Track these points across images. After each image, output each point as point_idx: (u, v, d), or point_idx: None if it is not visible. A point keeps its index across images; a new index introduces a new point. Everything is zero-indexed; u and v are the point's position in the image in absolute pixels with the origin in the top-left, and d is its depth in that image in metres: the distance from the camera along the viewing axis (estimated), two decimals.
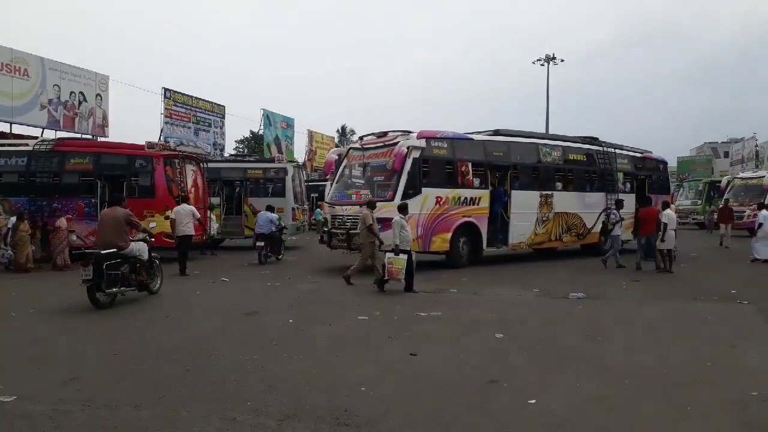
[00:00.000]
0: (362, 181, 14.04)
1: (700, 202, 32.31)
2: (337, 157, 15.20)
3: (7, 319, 8.26)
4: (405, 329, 7.43)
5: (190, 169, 16.31)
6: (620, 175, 17.83)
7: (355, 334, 7.30)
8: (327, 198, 14.55)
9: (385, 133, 13.87)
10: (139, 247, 9.53)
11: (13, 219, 13.72)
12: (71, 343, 6.83)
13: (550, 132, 18.09)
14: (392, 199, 12.43)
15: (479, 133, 15.35)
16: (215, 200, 19.05)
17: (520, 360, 6.13)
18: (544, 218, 15.61)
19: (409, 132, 13.31)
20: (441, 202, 13.36)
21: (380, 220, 11.62)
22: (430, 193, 13.13)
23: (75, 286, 9.18)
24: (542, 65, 38.94)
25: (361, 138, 14.81)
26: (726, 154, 65.26)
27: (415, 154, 12.88)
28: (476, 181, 14.19)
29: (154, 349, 6.47)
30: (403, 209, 10.99)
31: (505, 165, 15.04)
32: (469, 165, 14.12)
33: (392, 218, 11.00)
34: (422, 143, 13.09)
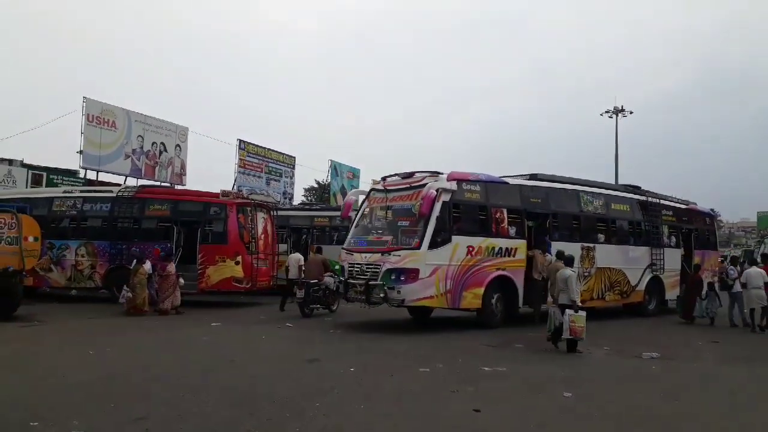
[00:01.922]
0: (384, 227, 12.66)
1: None
2: (355, 198, 14.10)
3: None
4: (469, 384, 7.27)
5: (260, 217, 16.83)
6: (665, 228, 16.51)
7: (417, 386, 7.20)
8: (345, 244, 12.98)
9: (411, 174, 12.55)
10: (328, 281, 13.86)
11: (134, 263, 14.00)
12: (144, 381, 7.06)
13: (593, 180, 16.31)
14: (418, 247, 11.15)
15: (514, 177, 13.92)
16: (283, 246, 19.49)
17: (590, 421, 5.86)
18: (586, 273, 13.93)
19: (438, 173, 12.01)
20: (473, 252, 11.83)
21: (405, 271, 11.02)
22: (460, 242, 11.68)
23: (172, 327, 9.54)
24: (610, 117, 38.33)
25: (383, 179, 13.35)
26: None
27: (445, 197, 11.52)
28: (512, 230, 12.68)
29: (218, 392, 6.60)
30: (570, 262, 10.44)
31: (543, 213, 13.59)
32: (504, 212, 12.64)
33: (419, 269, 10.85)
34: (453, 186, 11.74)
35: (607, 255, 14.55)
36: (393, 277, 11.13)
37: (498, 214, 12.52)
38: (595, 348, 10.25)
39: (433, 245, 11.21)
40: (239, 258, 15.29)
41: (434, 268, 11.15)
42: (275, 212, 18.26)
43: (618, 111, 38.05)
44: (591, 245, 14.23)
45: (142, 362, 8.34)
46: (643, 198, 16.34)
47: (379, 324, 12.45)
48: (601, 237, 14.75)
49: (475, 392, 6.86)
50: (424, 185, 11.63)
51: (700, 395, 7.12)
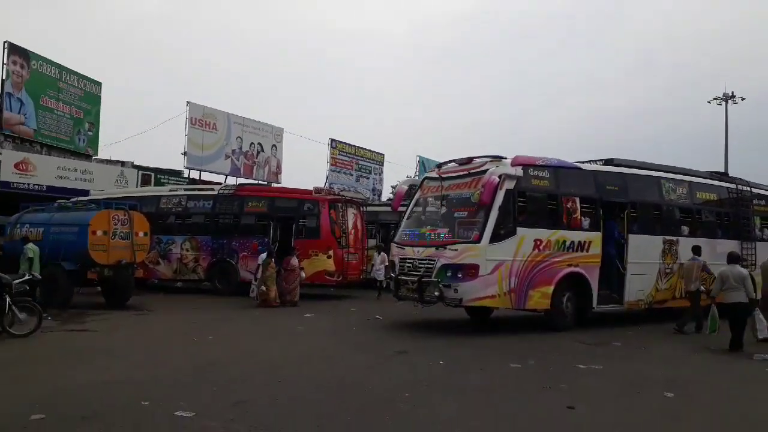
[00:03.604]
0: (439, 218, 11.48)
1: None
2: (407, 188, 12.90)
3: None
4: (562, 381, 7.07)
5: (351, 213, 17.17)
6: (757, 220, 14.75)
7: (508, 381, 7.09)
8: (396, 237, 12.04)
9: (470, 159, 11.33)
10: None
11: (263, 256, 14.45)
12: (244, 368, 7.41)
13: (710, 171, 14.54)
14: (478, 240, 10.05)
15: (588, 162, 12.62)
16: (372, 242, 19.78)
17: (693, 424, 5.54)
18: (668, 270, 12.45)
19: (501, 158, 10.79)
20: (540, 247, 10.62)
21: (463, 267, 9.99)
22: (526, 235, 10.48)
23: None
24: (719, 104, 35.86)
25: (439, 166, 12.22)
26: None
27: (509, 184, 10.34)
28: (585, 222, 11.35)
29: (313, 380, 6.81)
30: (737, 259, 10.06)
31: (620, 202, 12.15)
32: (577, 201, 11.28)
33: (478, 264, 9.84)
34: (518, 171, 10.51)
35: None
36: (449, 274, 10.13)
37: (570, 204, 11.21)
38: (700, 348, 9.66)
39: (495, 238, 10.10)
40: (331, 252, 15.69)
41: (496, 264, 10.09)
42: (365, 208, 18.55)
43: (728, 98, 35.54)
44: (674, 239, 12.73)
45: (242, 350, 8.77)
46: (732, 185, 14.62)
47: (467, 319, 12.32)
48: (685, 229, 13.18)
49: (569, 389, 6.66)
50: (485, 171, 10.43)
51: None
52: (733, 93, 35.58)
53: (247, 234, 16.83)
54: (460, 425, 5.22)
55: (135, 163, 26.03)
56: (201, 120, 25.55)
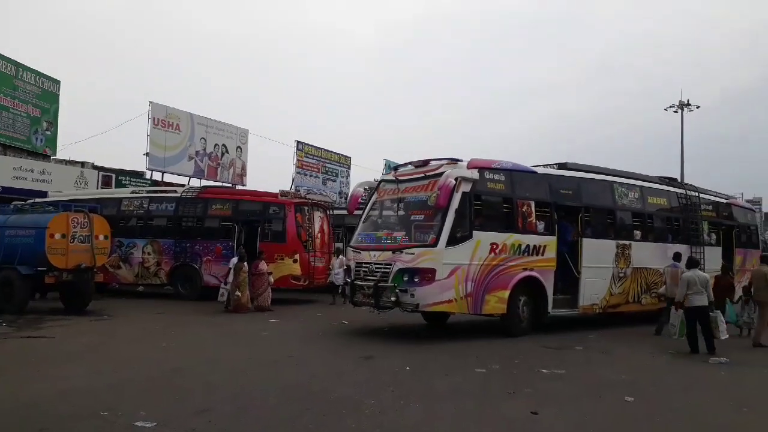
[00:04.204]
0: (395, 221, 11.37)
1: None
2: (362, 191, 12.57)
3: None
4: (526, 386, 7.15)
5: (317, 216, 17.09)
6: (705, 225, 14.97)
7: (473, 386, 7.14)
8: (351, 241, 11.89)
9: (426, 162, 11.24)
10: None
11: (234, 260, 14.20)
12: (207, 375, 7.29)
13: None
14: (435, 243, 9.91)
15: (542, 166, 12.53)
16: (339, 245, 19.72)
17: (654, 427, 5.67)
18: (621, 274, 12.63)
19: (457, 160, 10.75)
20: (497, 251, 10.53)
21: (419, 271, 9.84)
22: (483, 238, 10.37)
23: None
24: (675, 112, 36.89)
25: (395, 168, 11.99)
26: None
27: (465, 187, 10.25)
28: (540, 226, 11.36)
29: (278, 386, 6.74)
30: (697, 264, 10.46)
31: (574, 206, 12.17)
32: (532, 204, 11.27)
33: (435, 269, 9.71)
34: (474, 174, 10.43)
35: (644, 254, 13.19)
36: (406, 278, 9.95)
37: (525, 208, 11.19)
38: (660, 352, 9.91)
39: (452, 242, 10.00)
40: (297, 256, 15.58)
41: (453, 268, 9.95)
42: (331, 211, 18.48)
43: (683, 105, 36.60)
44: (627, 243, 12.86)
45: (206, 356, 8.62)
46: (681, 191, 14.93)
47: (460, 320, 12.31)
48: (638, 234, 13.33)
49: (533, 394, 6.75)
50: (441, 174, 10.31)
51: None
52: (688, 101, 36.69)
53: (211, 237, 16.57)
54: (424, 430, 5.23)
55: (95, 164, 25.45)
56: (164, 120, 25.09)
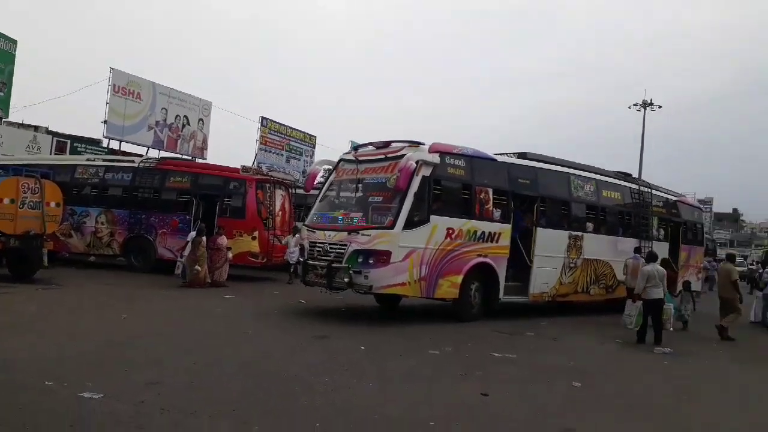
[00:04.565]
0: (353, 202, 11.17)
1: None
2: (321, 169, 12.52)
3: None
4: (477, 368, 7.28)
5: (279, 194, 16.88)
6: (655, 220, 15.44)
7: (425, 368, 7.22)
8: (307, 220, 11.67)
9: (387, 143, 11.08)
10: None
11: (193, 234, 13.86)
12: (158, 348, 7.17)
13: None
14: (392, 226, 9.78)
15: (503, 155, 12.51)
16: (299, 224, 19.57)
17: (598, 411, 5.85)
18: (572, 264, 12.84)
19: (419, 143, 10.61)
20: (452, 236, 10.53)
21: (375, 253, 9.73)
22: (440, 223, 10.35)
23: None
24: (638, 110, 37.75)
25: (356, 148, 11.87)
26: None
27: (425, 171, 10.16)
28: (496, 213, 11.41)
29: (231, 362, 6.68)
30: (656, 258, 10.66)
31: (531, 196, 12.29)
32: (490, 192, 11.32)
33: (390, 251, 9.64)
34: (435, 158, 10.34)
35: (595, 245, 13.45)
36: (360, 260, 9.83)
37: (483, 195, 11.23)
38: (607, 341, 10.20)
39: (409, 225, 9.91)
40: (256, 233, 15.39)
41: (409, 251, 9.89)
42: (294, 190, 18.31)
43: (646, 104, 37.48)
44: (579, 234, 13.11)
45: (157, 330, 8.47)
46: (635, 186, 15.36)
47: (403, 305, 12.40)
48: (590, 226, 13.59)
49: (484, 377, 6.87)
50: (402, 156, 10.21)
51: (711, 391, 7.05)
52: (651, 100, 37.58)
53: (168, 210, 16.23)
54: (377, 410, 5.27)
55: (50, 129, 24.57)
56: (125, 88, 24.30)
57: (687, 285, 13.23)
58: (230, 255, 14.35)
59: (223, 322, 9.48)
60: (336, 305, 11.87)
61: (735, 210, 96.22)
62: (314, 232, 10.95)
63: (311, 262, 10.61)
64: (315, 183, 12.37)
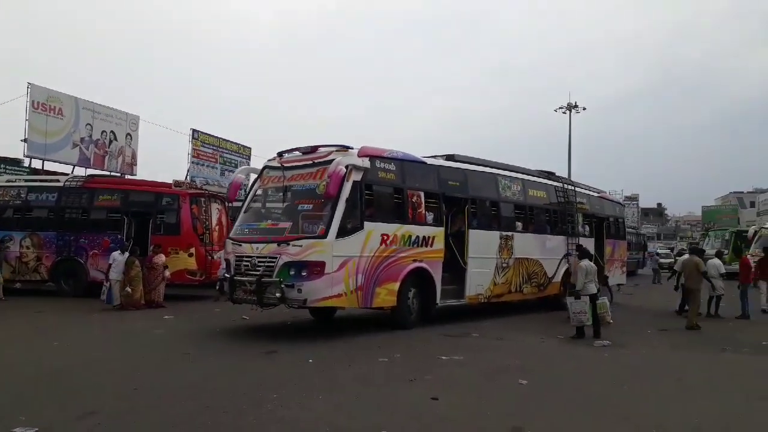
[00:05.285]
0: (281, 211, 10.72)
1: (727, 252, 31.68)
2: (244, 177, 12.04)
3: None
4: (426, 372, 7.32)
5: (215, 208, 16.53)
6: (579, 217, 15.70)
7: (375, 375, 7.20)
8: (231, 233, 11.18)
9: (314, 148, 10.54)
10: None
11: (116, 254, 13.37)
12: (96, 375, 6.84)
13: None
14: (324, 235, 9.33)
15: (431, 157, 12.38)
16: None
17: (545, 407, 5.99)
18: (504, 265, 12.89)
19: (348, 147, 10.18)
20: (387, 242, 10.23)
21: (307, 265, 9.24)
22: (374, 229, 10.01)
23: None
24: (564, 113, 39.18)
25: (280, 154, 11.10)
26: (752, 204, 64.69)
27: (356, 176, 9.82)
28: (429, 217, 11.22)
29: (174, 385, 6.46)
30: (589, 254, 11.19)
31: (461, 198, 12.19)
32: (422, 195, 11.11)
33: (324, 261, 9.20)
34: (365, 163, 10.04)
35: (525, 245, 13.57)
36: (292, 273, 9.30)
37: (415, 198, 10.97)
38: (549, 337, 10.47)
39: (342, 233, 9.47)
40: (192, 250, 15.00)
41: (343, 260, 9.48)
42: (230, 203, 17.93)
43: (571, 107, 38.95)
44: (509, 234, 13.17)
45: (93, 356, 8.10)
46: (559, 184, 15.50)
47: (339, 317, 12.35)
48: (519, 225, 13.68)
49: (433, 380, 6.92)
50: (331, 161, 9.72)
51: (649, 380, 7.34)
52: (576, 103, 39.09)
53: (98, 230, 15.58)
54: (327, 422, 5.21)
55: None
56: (45, 104, 23.18)
57: (605, 280, 13.55)
58: (167, 273, 13.89)
59: (163, 344, 9.16)
60: (281, 319, 11.67)
61: (659, 204, 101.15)
62: (240, 245, 10.26)
63: (239, 278, 9.92)
64: (237, 193, 11.89)
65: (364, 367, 7.68)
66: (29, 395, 5.97)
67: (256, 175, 11.48)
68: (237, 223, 11.06)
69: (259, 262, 9.73)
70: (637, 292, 20.33)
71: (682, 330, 11.67)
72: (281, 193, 10.72)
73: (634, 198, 79.34)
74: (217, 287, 10.91)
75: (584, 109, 39.32)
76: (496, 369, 7.74)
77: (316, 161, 10.31)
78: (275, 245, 9.61)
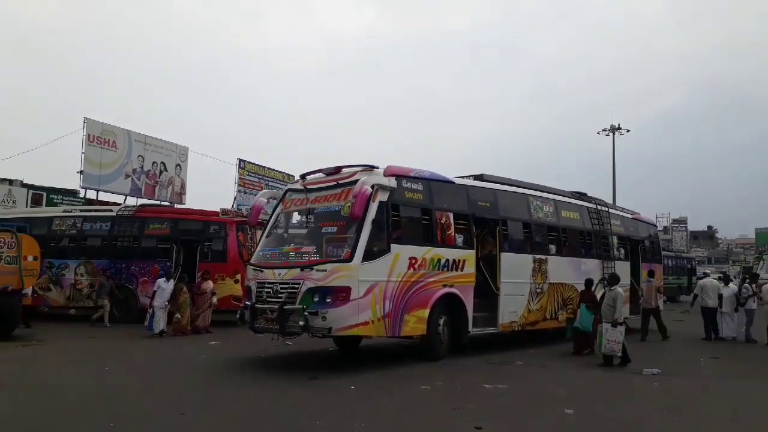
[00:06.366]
0: (304, 234, 10.21)
1: None
2: (266, 200, 11.26)
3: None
4: (470, 401, 7.24)
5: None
6: (614, 239, 15.05)
7: (417, 403, 7.17)
8: (252, 258, 10.76)
9: (338, 169, 10.04)
10: None
11: (161, 281, 13.61)
12: (144, 400, 7.02)
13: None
14: (350, 258, 8.80)
15: (459, 177, 11.77)
16: None
17: None
18: (539, 290, 12.21)
19: (373, 167, 9.71)
20: (416, 266, 9.67)
21: (332, 290, 8.71)
22: (402, 253, 9.47)
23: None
24: (607, 135, 38.59)
25: (303, 176, 10.67)
26: None
27: (383, 196, 9.34)
28: (459, 239, 10.67)
29: (219, 411, 6.57)
30: (616, 280, 10.86)
31: (492, 219, 11.62)
32: (451, 216, 10.57)
33: (350, 287, 8.66)
34: (392, 182, 9.56)
35: (560, 268, 12.85)
36: (316, 299, 8.80)
37: (444, 219, 10.44)
38: (594, 366, 10.22)
39: (368, 256, 8.92)
40: (238, 276, 15.27)
41: (370, 285, 8.92)
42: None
43: (615, 129, 38.35)
44: (543, 257, 12.48)
45: (143, 381, 8.31)
46: (592, 205, 14.84)
47: (376, 344, 12.34)
48: (553, 248, 12.96)
49: (477, 409, 6.83)
50: (355, 182, 9.25)
51: (701, 411, 7.09)
52: (619, 125, 38.48)
53: (148, 258, 16.07)
54: None
55: (25, 182, 24.34)
56: (100, 137, 24.25)
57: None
58: (215, 300, 14.21)
59: (208, 370, 9.34)
60: (323, 346, 11.73)
61: (709, 227, 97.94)
62: (261, 271, 9.74)
63: (260, 305, 9.41)
64: (259, 218, 11.32)
65: (407, 394, 7.65)
66: (77, 419, 6.17)
67: (277, 200, 11.06)
68: (258, 249, 10.66)
69: (281, 288, 9.21)
70: (688, 319, 19.63)
71: (734, 357, 11.23)
72: (304, 216, 10.27)
73: (682, 221, 77.09)
74: (238, 316, 10.40)
75: (628, 131, 38.69)
76: (541, 398, 7.58)
77: (340, 182, 9.85)
78: (298, 270, 9.11)
